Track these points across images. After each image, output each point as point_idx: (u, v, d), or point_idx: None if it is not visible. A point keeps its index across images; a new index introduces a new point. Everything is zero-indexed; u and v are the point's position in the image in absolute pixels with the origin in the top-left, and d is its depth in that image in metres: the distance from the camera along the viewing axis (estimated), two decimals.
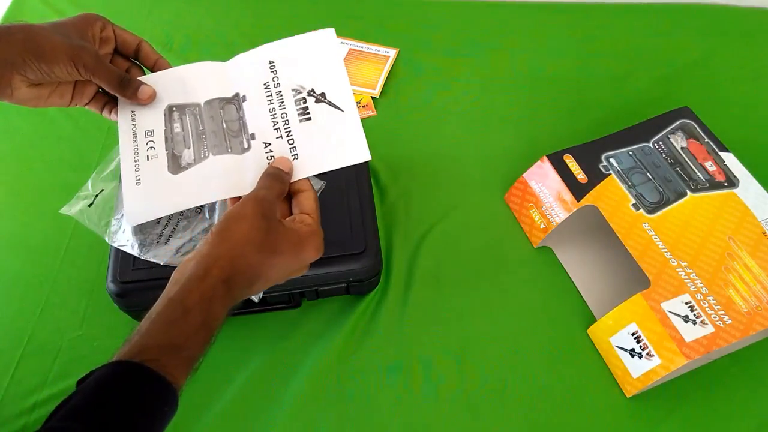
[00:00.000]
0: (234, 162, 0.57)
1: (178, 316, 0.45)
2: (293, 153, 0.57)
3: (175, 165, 0.57)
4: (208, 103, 0.60)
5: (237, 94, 0.60)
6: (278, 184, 0.53)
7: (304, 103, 0.59)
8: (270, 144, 0.57)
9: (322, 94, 0.59)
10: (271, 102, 0.59)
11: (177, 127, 0.58)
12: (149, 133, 0.58)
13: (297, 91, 0.59)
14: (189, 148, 0.57)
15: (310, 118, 0.58)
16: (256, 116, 0.59)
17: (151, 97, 0.58)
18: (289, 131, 0.58)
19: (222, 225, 0.49)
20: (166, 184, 0.56)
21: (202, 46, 1.03)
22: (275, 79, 0.60)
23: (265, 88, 0.60)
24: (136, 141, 0.57)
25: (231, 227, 0.49)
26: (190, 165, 0.57)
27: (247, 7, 1.10)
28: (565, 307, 0.76)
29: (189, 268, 0.47)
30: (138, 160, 0.57)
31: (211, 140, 0.58)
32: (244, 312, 0.74)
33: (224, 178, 0.56)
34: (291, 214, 0.55)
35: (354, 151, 0.57)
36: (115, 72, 0.56)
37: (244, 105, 0.59)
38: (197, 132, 0.58)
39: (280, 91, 0.59)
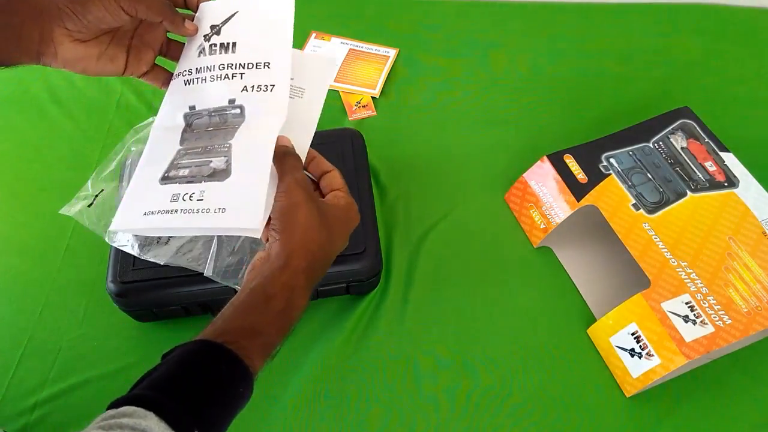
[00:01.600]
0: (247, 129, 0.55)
1: (260, 302, 0.47)
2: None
3: (220, 173, 0.53)
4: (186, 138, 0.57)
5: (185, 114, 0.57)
6: (296, 161, 0.53)
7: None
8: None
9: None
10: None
11: (183, 171, 0.54)
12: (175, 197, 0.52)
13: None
14: (216, 156, 0.54)
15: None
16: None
17: (196, 31, 0.55)
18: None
19: (283, 220, 0.50)
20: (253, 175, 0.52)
21: None
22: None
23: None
24: (176, 199, 0.52)
25: (291, 219, 0.50)
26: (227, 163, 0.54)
27: None
28: (565, 307, 0.76)
29: (268, 265, 0.49)
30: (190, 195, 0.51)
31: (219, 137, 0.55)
32: None
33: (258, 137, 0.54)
34: (320, 195, 0.56)
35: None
36: (167, 4, 0.52)
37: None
38: (202, 151, 0.55)
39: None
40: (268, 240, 0.51)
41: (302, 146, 0.56)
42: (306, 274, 0.49)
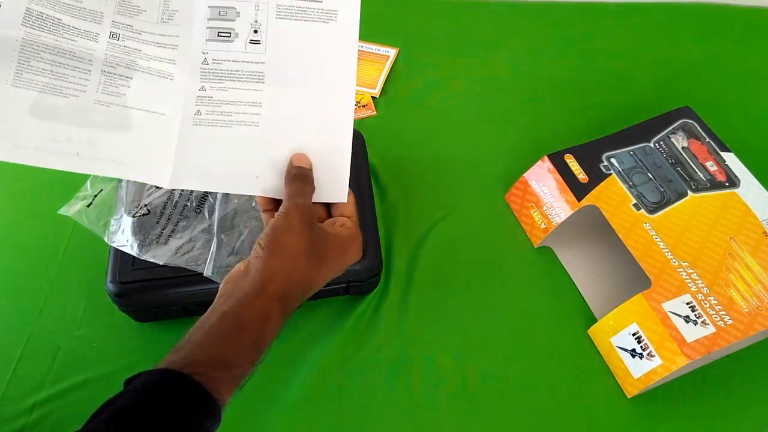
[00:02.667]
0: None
1: (233, 332, 0.45)
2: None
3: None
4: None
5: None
6: (307, 186, 0.52)
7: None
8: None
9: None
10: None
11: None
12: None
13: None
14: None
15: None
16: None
17: None
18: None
19: (270, 238, 0.48)
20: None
21: None
22: None
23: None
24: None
25: (280, 240, 0.48)
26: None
27: None
28: (566, 307, 0.76)
29: (244, 283, 0.47)
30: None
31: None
32: None
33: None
34: (328, 215, 0.55)
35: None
36: None
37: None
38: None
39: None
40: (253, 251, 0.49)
41: (348, 77, 0.54)
42: (283, 302, 0.47)
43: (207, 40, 0.54)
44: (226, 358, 0.44)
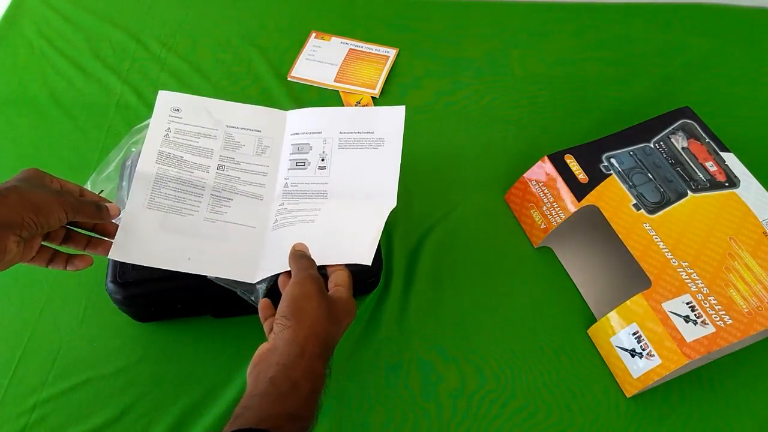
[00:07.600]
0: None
1: (289, 389, 0.49)
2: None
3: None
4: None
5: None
6: (310, 261, 0.60)
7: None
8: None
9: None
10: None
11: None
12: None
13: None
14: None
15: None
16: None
17: (118, 212, 0.62)
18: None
19: (294, 307, 0.55)
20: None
21: (202, 45, 1.03)
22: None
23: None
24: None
25: (303, 307, 0.55)
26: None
27: (247, 6, 1.10)
28: (565, 307, 0.76)
29: (277, 356, 0.52)
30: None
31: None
32: (245, 313, 0.74)
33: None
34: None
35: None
36: (92, 203, 0.59)
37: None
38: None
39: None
40: (272, 330, 0.55)
41: (391, 190, 0.67)
42: (322, 359, 0.53)
43: (288, 169, 0.70)
44: (293, 412, 0.49)
